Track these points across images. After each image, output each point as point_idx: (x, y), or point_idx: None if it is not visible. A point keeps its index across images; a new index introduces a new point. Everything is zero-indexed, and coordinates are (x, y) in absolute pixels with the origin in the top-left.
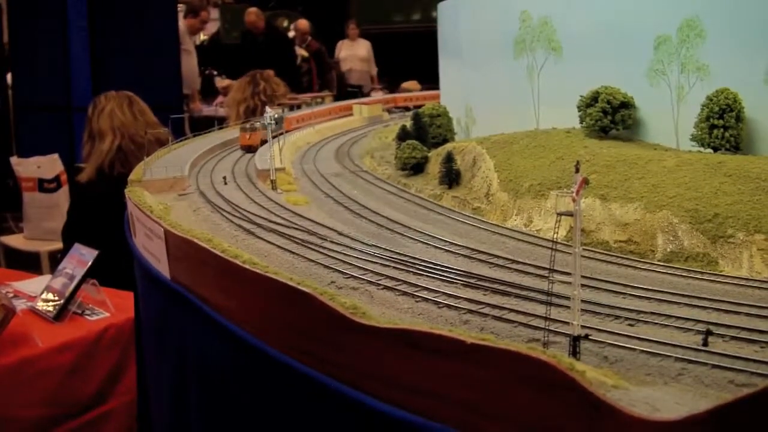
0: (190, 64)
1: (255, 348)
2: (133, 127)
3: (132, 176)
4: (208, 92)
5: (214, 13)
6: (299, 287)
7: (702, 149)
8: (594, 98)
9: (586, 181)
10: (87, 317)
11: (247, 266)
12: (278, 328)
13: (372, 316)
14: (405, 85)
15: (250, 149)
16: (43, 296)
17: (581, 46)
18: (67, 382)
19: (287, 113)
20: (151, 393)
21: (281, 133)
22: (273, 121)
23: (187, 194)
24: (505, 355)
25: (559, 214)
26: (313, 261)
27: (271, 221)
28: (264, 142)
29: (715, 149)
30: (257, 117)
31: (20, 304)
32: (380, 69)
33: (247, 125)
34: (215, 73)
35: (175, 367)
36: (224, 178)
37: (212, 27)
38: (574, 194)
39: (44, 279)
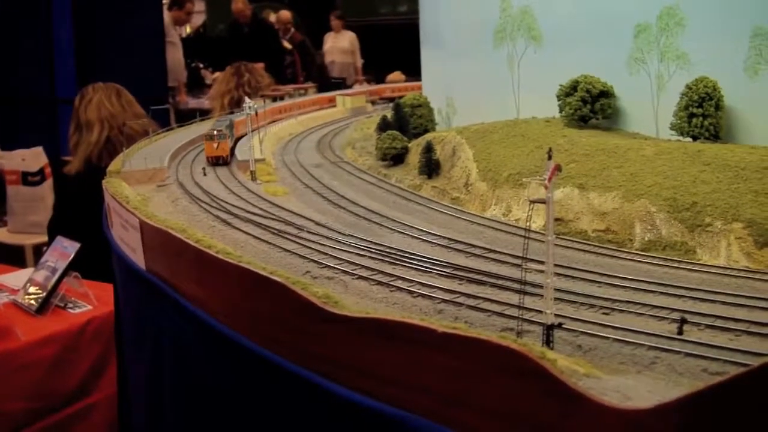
0: (175, 56)
1: (228, 338)
2: (121, 117)
3: (111, 167)
4: (195, 85)
5: (200, 6)
6: (272, 277)
7: (681, 138)
8: (573, 87)
9: (558, 168)
10: (69, 310)
11: (220, 256)
12: (252, 317)
13: (344, 305)
14: (390, 76)
15: (219, 161)
16: (26, 289)
17: (561, 35)
18: (50, 375)
19: (268, 104)
20: (130, 384)
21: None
22: (253, 111)
23: (166, 185)
24: (476, 343)
25: (532, 202)
26: (288, 251)
27: (248, 212)
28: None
29: (695, 138)
30: (223, 121)
31: (2, 298)
32: (366, 61)
33: (214, 132)
34: (201, 65)
35: (151, 357)
36: (203, 169)
37: (198, 19)
38: (546, 181)
39: (27, 272)
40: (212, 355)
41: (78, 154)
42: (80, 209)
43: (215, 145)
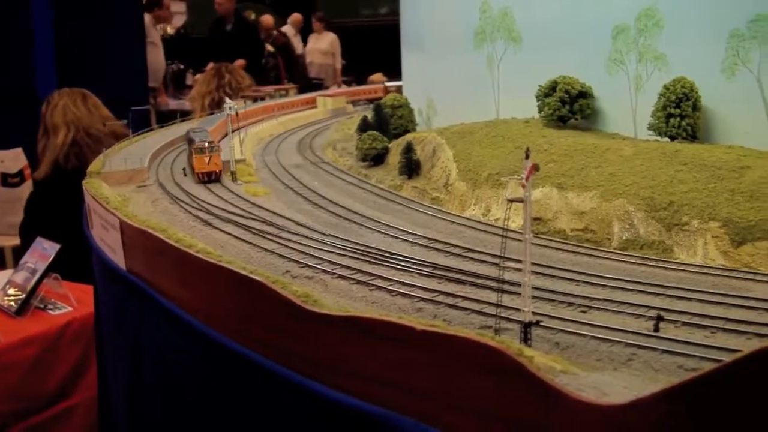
0: (156, 56)
1: (208, 337)
2: (87, 120)
3: (91, 168)
4: (177, 86)
5: (181, 7)
6: (251, 276)
7: (659, 138)
8: (552, 88)
9: (536, 168)
10: (49, 311)
11: (200, 256)
12: (232, 317)
13: (324, 304)
14: (371, 78)
15: (211, 178)
16: (5, 291)
17: (541, 37)
18: (30, 377)
19: (249, 105)
20: (111, 385)
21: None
22: (234, 111)
23: (146, 186)
24: (455, 341)
25: (510, 200)
26: (269, 251)
27: (229, 212)
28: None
29: (672, 138)
30: (202, 130)
31: None
32: (349, 62)
33: (204, 144)
34: (182, 66)
35: (131, 357)
36: (184, 169)
37: (179, 20)
38: (523, 180)
39: (6, 274)
40: (193, 355)
41: (46, 158)
42: (49, 213)
43: (206, 159)
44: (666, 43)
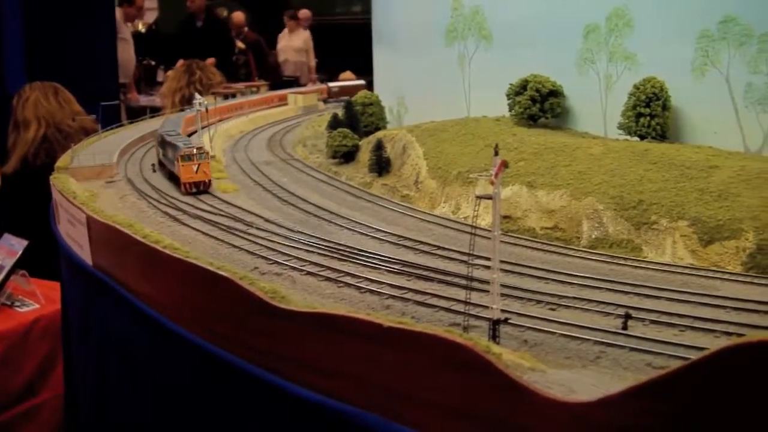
0: (127, 53)
1: (175, 334)
2: (58, 115)
3: (59, 163)
4: (148, 82)
5: (152, 2)
6: (218, 272)
7: (629, 137)
8: (523, 86)
9: (505, 164)
10: (17, 308)
11: (167, 251)
12: (199, 313)
13: (292, 300)
14: (341, 76)
15: (200, 188)
16: None
17: (512, 35)
18: None
19: (219, 102)
20: (78, 382)
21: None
22: (203, 108)
23: (115, 181)
24: (422, 338)
25: (479, 197)
26: (237, 247)
27: (197, 208)
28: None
29: (642, 137)
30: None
31: None
32: (321, 60)
33: (193, 150)
34: (153, 63)
35: (98, 354)
36: (153, 165)
37: (150, 16)
38: (492, 177)
39: None
40: (159, 351)
41: (15, 152)
42: (17, 208)
43: (194, 167)
44: (636, 43)
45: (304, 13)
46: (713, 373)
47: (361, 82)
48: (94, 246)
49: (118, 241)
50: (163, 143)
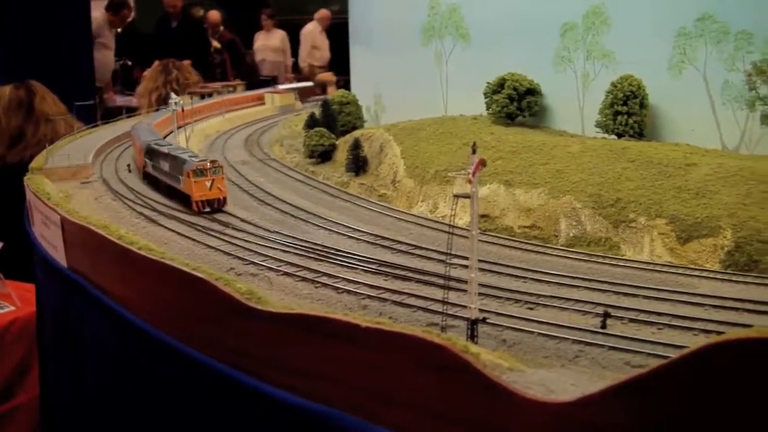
0: (106, 57)
1: (151, 336)
2: (35, 115)
3: (33, 164)
4: (124, 82)
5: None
6: (194, 273)
7: (606, 135)
8: (500, 85)
9: (483, 163)
10: None
11: (142, 252)
12: (174, 314)
13: (268, 301)
14: (320, 76)
15: (214, 206)
16: None
17: (489, 33)
18: None
19: (196, 101)
20: (53, 384)
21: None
22: (179, 107)
23: (90, 182)
24: (400, 338)
25: (456, 196)
26: (213, 248)
27: (173, 208)
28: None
29: (620, 135)
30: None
31: None
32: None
33: (206, 164)
34: (129, 63)
35: (73, 356)
36: (128, 166)
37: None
38: (470, 176)
39: None
40: (135, 353)
41: None
42: None
43: (208, 183)
44: (613, 40)
45: (322, 13)
46: (692, 372)
47: (309, 84)
48: (68, 247)
49: (92, 242)
50: (155, 153)
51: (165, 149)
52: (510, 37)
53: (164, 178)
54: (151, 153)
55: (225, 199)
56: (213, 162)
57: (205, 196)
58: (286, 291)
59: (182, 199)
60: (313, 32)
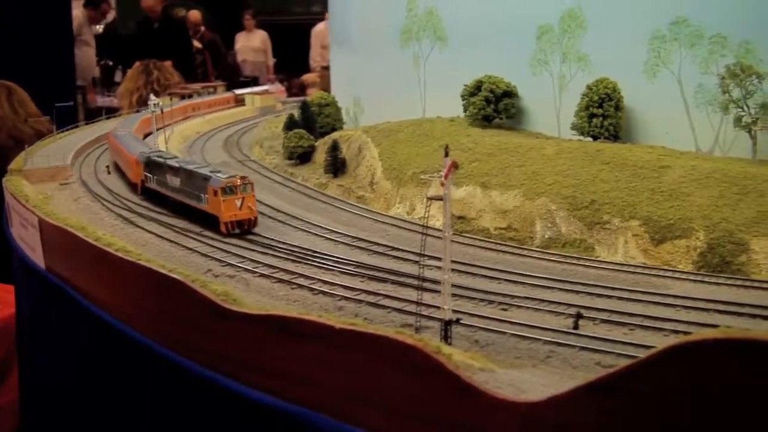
0: (87, 55)
1: (129, 337)
2: (11, 120)
3: (12, 165)
4: (105, 83)
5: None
6: (170, 274)
7: (582, 137)
8: (477, 87)
9: (455, 165)
10: None
11: (119, 254)
12: (151, 316)
13: (244, 302)
14: (305, 77)
15: (244, 228)
16: None
17: (466, 36)
18: None
19: (176, 102)
20: (32, 387)
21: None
22: (159, 108)
23: (69, 184)
24: (373, 339)
25: (429, 199)
26: (190, 249)
27: (152, 210)
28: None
29: (595, 137)
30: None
31: None
32: (281, 60)
33: (236, 181)
34: (110, 63)
35: (51, 358)
36: (107, 167)
37: (108, 17)
38: (442, 178)
39: None
40: (113, 355)
41: None
42: None
43: (238, 201)
44: (589, 43)
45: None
46: (658, 372)
47: (265, 87)
48: (46, 249)
49: (70, 243)
50: (159, 167)
51: (174, 163)
52: (487, 39)
53: (176, 196)
54: (153, 166)
55: (256, 219)
56: (243, 178)
57: (235, 216)
58: (263, 292)
59: (203, 220)
60: (323, 32)
